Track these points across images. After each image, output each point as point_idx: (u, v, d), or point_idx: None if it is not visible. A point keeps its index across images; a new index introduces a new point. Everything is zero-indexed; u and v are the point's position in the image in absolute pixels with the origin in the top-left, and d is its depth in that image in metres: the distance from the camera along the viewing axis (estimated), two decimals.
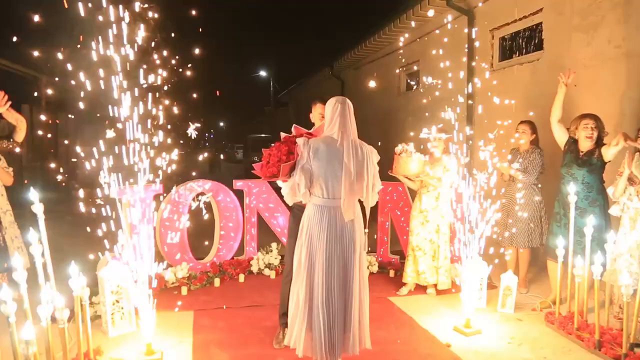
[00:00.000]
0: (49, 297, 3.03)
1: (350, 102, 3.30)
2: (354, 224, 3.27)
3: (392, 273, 5.90)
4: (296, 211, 3.84)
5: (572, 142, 4.59)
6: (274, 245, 6.05)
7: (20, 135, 4.52)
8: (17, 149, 4.53)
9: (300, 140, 3.18)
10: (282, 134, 3.42)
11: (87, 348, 3.45)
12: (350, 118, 3.25)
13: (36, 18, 4.01)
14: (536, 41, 6.79)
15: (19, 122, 4.47)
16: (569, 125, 4.67)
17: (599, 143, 4.44)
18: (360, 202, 3.36)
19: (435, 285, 5.21)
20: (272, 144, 3.40)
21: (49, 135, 11.86)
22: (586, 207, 4.40)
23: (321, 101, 3.96)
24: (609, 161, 4.39)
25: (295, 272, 3.34)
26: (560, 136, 4.68)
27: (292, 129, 3.55)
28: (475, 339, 4.14)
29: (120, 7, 3.80)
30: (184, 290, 5.15)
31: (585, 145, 4.47)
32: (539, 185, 5.09)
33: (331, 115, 3.25)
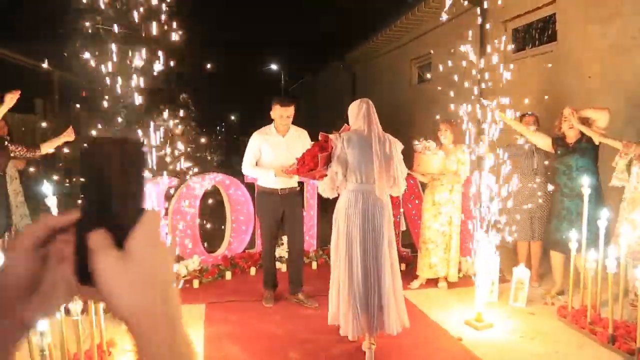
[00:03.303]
0: None
1: (372, 103, 3.73)
2: (384, 210, 3.55)
3: (403, 266, 5.87)
4: (260, 197, 4.55)
5: (559, 138, 4.72)
6: (285, 238, 6.03)
7: (50, 144, 4.42)
8: (25, 154, 4.29)
9: (332, 135, 3.56)
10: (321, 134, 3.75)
11: (100, 340, 3.50)
12: (374, 114, 3.67)
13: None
14: (549, 32, 6.70)
15: (65, 137, 4.42)
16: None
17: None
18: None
19: (446, 278, 5.20)
20: None
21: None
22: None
23: (279, 102, 4.40)
24: (599, 144, 4.45)
25: (333, 257, 3.69)
26: (544, 140, 4.79)
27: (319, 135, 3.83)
28: (486, 332, 4.12)
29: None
30: (196, 283, 5.18)
31: (571, 135, 4.60)
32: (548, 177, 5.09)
33: (357, 113, 3.67)
